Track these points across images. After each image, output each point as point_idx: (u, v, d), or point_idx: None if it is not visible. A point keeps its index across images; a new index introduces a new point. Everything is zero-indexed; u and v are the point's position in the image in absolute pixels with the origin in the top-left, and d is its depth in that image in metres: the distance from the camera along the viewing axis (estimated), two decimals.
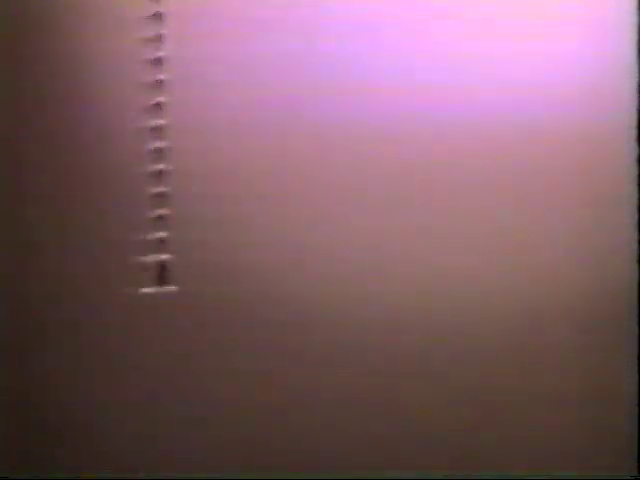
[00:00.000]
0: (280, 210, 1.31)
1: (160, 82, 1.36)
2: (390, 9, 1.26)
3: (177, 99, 1.36)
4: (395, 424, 1.25)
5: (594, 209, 1.18)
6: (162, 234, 1.33)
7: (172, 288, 1.35)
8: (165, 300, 1.34)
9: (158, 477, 1.34)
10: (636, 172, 1.17)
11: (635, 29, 1.16)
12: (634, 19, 1.16)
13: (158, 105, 1.36)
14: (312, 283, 1.29)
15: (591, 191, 1.18)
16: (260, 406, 1.31)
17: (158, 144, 1.35)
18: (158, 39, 1.36)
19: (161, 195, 1.34)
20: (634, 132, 1.16)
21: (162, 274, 1.33)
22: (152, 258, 1.34)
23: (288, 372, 1.30)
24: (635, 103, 1.17)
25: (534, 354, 1.19)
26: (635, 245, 1.17)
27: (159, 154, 1.35)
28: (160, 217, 1.34)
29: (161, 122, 1.35)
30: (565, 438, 1.18)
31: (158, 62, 1.36)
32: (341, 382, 1.27)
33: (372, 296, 1.26)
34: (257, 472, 1.30)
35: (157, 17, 1.37)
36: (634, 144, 1.17)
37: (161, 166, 1.35)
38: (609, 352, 1.17)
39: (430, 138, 1.24)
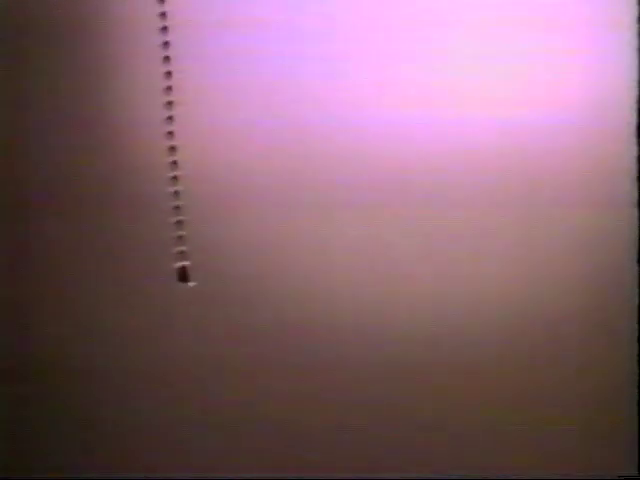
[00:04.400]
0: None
1: None
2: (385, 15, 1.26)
3: None
4: (396, 425, 1.25)
5: (594, 209, 1.18)
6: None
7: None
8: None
9: (158, 477, 1.34)
10: (636, 172, 1.17)
11: (635, 30, 1.16)
12: (634, 19, 1.16)
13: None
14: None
15: (591, 191, 1.18)
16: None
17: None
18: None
19: None
20: (634, 132, 1.17)
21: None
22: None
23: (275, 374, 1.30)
24: (635, 103, 1.17)
25: (533, 354, 1.20)
26: (635, 245, 1.17)
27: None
28: None
29: None
30: (565, 438, 1.19)
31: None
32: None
33: (370, 304, 1.26)
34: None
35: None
36: (634, 144, 1.17)
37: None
38: (609, 352, 1.18)
39: (430, 139, 1.24)
